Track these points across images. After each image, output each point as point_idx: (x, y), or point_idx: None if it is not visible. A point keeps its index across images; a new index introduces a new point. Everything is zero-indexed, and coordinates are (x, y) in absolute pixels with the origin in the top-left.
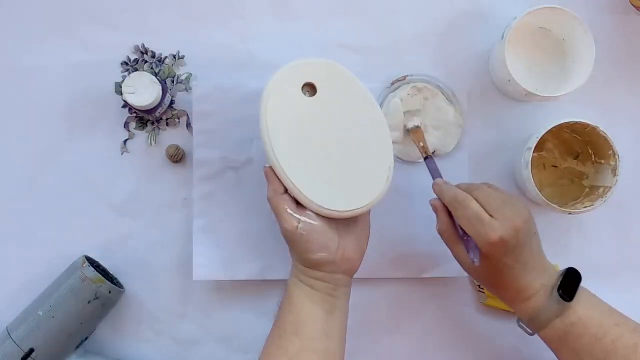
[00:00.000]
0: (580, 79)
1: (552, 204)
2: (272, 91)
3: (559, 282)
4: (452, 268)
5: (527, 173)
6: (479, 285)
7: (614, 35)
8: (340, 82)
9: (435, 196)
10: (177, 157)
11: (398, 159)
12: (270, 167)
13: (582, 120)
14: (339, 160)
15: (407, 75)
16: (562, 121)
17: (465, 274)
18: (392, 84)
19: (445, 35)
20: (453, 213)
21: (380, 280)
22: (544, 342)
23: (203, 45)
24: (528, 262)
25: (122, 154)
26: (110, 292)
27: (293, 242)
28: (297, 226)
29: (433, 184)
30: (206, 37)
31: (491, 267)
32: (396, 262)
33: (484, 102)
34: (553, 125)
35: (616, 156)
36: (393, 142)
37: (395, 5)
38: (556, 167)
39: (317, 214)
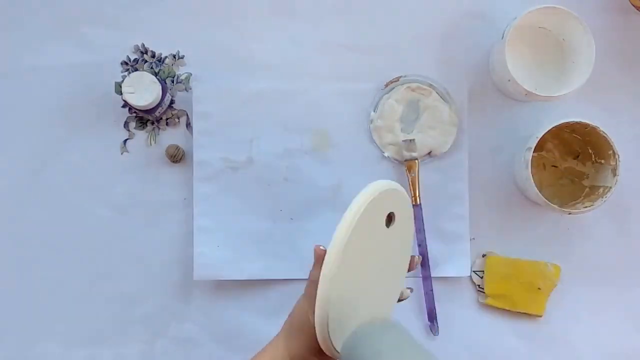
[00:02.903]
0: (580, 79)
1: (552, 204)
2: (363, 209)
3: None
4: (452, 268)
5: (527, 173)
6: (479, 285)
7: (614, 35)
8: (407, 213)
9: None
10: (177, 157)
11: (395, 160)
12: (323, 250)
13: (582, 120)
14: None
15: (401, 76)
16: (562, 121)
17: (465, 274)
18: (386, 85)
19: (445, 35)
20: None
21: None
22: None
23: (203, 45)
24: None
25: (122, 153)
26: None
27: (304, 333)
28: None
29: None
30: (206, 37)
31: None
32: None
33: (484, 102)
34: (553, 125)
35: (616, 156)
36: (389, 144)
37: (395, 5)
38: (556, 167)
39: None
